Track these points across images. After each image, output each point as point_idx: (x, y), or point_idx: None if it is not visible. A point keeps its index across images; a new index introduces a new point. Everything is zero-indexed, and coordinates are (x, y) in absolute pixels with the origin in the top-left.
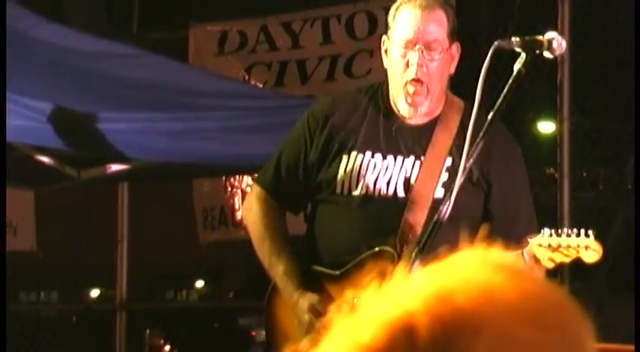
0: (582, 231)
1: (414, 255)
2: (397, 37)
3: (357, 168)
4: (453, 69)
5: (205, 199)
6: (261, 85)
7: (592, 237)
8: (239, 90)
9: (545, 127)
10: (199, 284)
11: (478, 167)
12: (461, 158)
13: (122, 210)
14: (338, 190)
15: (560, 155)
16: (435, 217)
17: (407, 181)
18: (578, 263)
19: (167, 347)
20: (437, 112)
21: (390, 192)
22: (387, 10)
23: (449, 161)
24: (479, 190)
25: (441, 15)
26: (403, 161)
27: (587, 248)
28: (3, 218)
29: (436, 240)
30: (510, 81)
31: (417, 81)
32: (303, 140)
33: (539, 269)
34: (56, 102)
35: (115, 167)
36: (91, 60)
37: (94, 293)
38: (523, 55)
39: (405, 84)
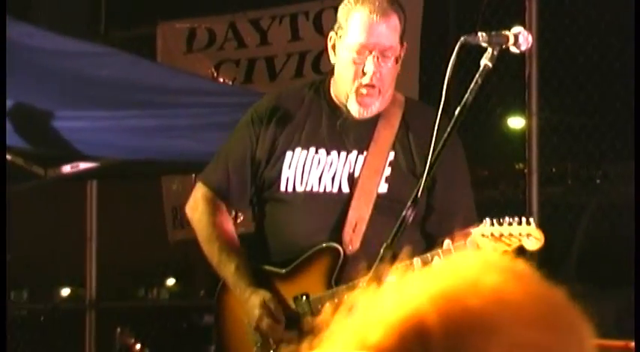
0: (524, 219)
1: (382, 252)
2: (351, 41)
3: (302, 165)
4: (399, 67)
5: (175, 197)
6: (230, 82)
7: (533, 224)
8: (208, 88)
9: (514, 123)
10: (170, 282)
11: (420, 161)
12: (404, 152)
13: (91, 209)
14: (282, 188)
15: (529, 150)
16: (403, 214)
17: (351, 176)
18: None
19: (138, 346)
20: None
21: (335, 188)
22: None
23: (391, 155)
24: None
25: (395, 21)
26: (347, 156)
27: (529, 235)
28: (3, 219)
29: (379, 234)
30: (477, 76)
31: (371, 86)
32: (248, 138)
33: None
34: (21, 101)
35: (83, 165)
36: (58, 58)
37: (65, 292)
38: (489, 50)
39: (358, 87)
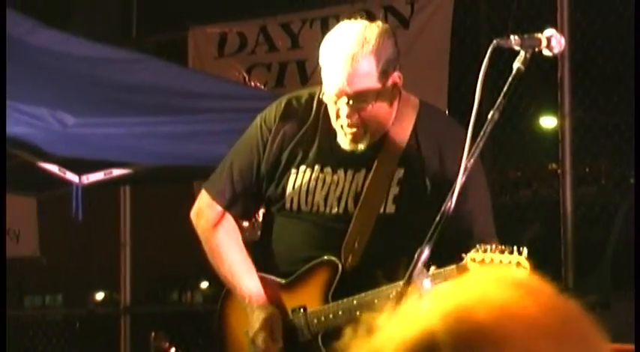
0: (515, 248)
1: (419, 250)
2: (325, 85)
3: (306, 185)
4: (396, 94)
5: None
6: (261, 86)
7: (524, 254)
8: (240, 93)
9: (546, 122)
10: (204, 285)
11: (432, 179)
12: (414, 170)
13: (125, 214)
14: (287, 206)
15: (562, 151)
16: (441, 211)
17: (358, 196)
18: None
19: (172, 350)
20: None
21: (342, 209)
22: (385, 9)
23: (400, 173)
24: (434, 203)
25: (369, 63)
26: (354, 175)
27: (518, 264)
28: (3, 220)
29: (389, 258)
30: (510, 79)
31: (350, 126)
32: (255, 148)
33: None
34: (55, 108)
35: (116, 171)
36: (90, 65)
37: (99, 296)
38: (522, 53)
39: (342, 126)
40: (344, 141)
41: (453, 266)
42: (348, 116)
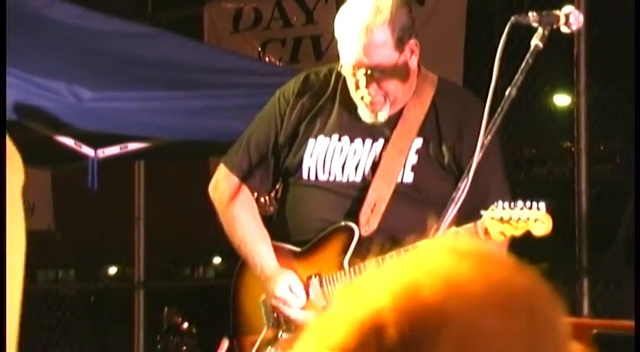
0: (534, 203)
1: (436, 225)
2: (342, 58)
3: (324, 154)
4: (414, 63)
5: None
6: (276, 62)
7: (543, 209)
8: (255, 68)
9: (561, 100)
10: (216, 261)
11: (450, 151)
12: (432, 140)
13: (139, 189)
14: (305, 176)
15: (578, 129)
16: (454, 194)
17: (375, 165)
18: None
19: (185, 325)
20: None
21: (359, 177)
22: None
23: (418, 142)
24: (450, 174)
25: (384, 33)
26: (372, 144)
27: (537, 220)
28: (3, 216)
29: (406, 227)
30: (528, 56)
31: (370, 96)
32: (273, 122)
33: (500, 244)
34: (71, 82)
35: (131, 146)
36: (106, 39)
37: (112, 270)
38: (540, 29)
39: (362, 97)
40: (365, 113)
41: (472, 225)
42: (367, 87)
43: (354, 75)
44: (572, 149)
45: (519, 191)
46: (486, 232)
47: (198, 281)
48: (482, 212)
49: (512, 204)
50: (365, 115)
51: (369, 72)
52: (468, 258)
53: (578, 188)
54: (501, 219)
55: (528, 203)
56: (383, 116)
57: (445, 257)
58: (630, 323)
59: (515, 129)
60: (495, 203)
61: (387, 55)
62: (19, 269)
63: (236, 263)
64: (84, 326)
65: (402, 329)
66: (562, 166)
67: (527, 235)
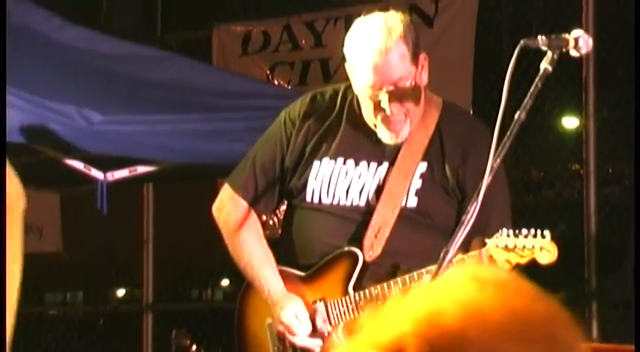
0: (539, 231)
1: (442, 255)
2: (359, 82)
3: (328, 176)
4: (425, 78)
5: None
6: (285, 85)
7: (548, 237)
8: (264, 91)
9: (569, 123)
10: (224, 283)
11: (454, 175)
12: (437, 164)
13: (148, 211)
14: (309, 198)
15: (586, 152)
16: (463, 218)
17: (380, 189)
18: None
19: (194, 347)
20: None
21: (363, 201)
22: (409, 8)
23: (423, 166)
24: (453, 199)
25: (400, 49)
26: (377, 168)
27: (542, 249)
28: (3, 217)
29: (410, 251)
30: (537, 80)
31: (394, 115)
32: (279, 143)
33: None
34: (81, 106)
35: (140, 169)
36: (115, 62)
37: (120, 293)
38: (549, 53)
39: (383, 118)
40: (385, 134)
41: (476, 252)
42: (391, 106)
43: (373, 97)
44: (581, 171)
45: (527, 214)
46: (491, 259)
47: (206, 303)
48: (487, 240)
49: (517, 231)
50: (385, 137)
51: (390, 90)
52: (488, 285)
53: (587, 210)
54: (506, 247)
55: (533, 230)
56: (403, 135)
57: (466, 284)
58: (631, 347)
59: (523, 152)
60: (500, 231)
61: (406, 70)
62: (13, 295)
63: (245, 285)
64: (92, 349)
65: None
66: (570, 189)
67: (533, 261)
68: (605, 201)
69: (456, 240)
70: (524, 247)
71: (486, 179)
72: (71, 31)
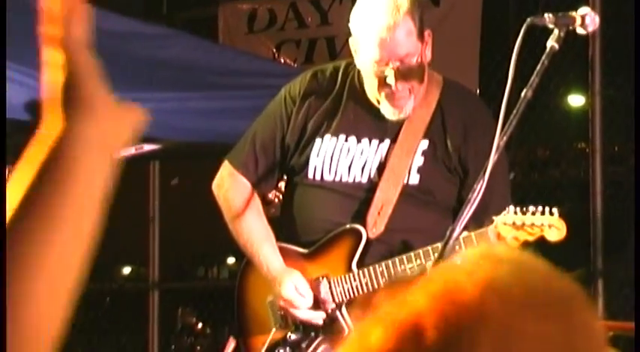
0: (547, 208)
1: (448, 233)
2: (366, 57)
3: (330, 153)
4: (429, 54)
5: None
6: (291, 63)
7: (556, 215)
8: (270, 69)
9: (575, 101)
10: (230, 261)
11: (456, 153)
12: (439, 142)
13: (154, 190)
14: (310, 175)
15: (592, 130)
16: (470, 196)
17: (382, 165)
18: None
19: (199, 325)
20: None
21: (365, 178)
22: None
23: (424, 144)
24: (455, 177)
25: (407, 25)
26: (379, 144)
27: (551, 226)
28: (3, 216)
29: (413, 229)
30: (544, 58)
31: (399, 91)
32: (279, 120)
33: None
34: None
35: (147, 147)
36: (121, 40)
37: (126, 271)
38: (556, 31)
39: (387, 93)
40: (388, 110)
41: (485, 229)
42: (397, 82)
43: (378, 72)
44: (587, 150)
45: (533, 192)
46: (499, 237)
47: (212, 281)
48: (494, 217)
49: (524, 208)
50: (389, 112)
51: (397, 65)
52: (504, 263)
53: (593, 189)
54: (514, 224)
55: (540, 208)
56: (407, 111)
57: (481, 262)
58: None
59: (529, 131)
60: (506, 208)
61: (412, 46)
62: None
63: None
64: (98, 327)
65: (440, 329)
66: (576, 167)
67: (541, 239)
68: (611, 179)
69: (463, 217)
70: (532, 224)
71: (493, 157)
72: None
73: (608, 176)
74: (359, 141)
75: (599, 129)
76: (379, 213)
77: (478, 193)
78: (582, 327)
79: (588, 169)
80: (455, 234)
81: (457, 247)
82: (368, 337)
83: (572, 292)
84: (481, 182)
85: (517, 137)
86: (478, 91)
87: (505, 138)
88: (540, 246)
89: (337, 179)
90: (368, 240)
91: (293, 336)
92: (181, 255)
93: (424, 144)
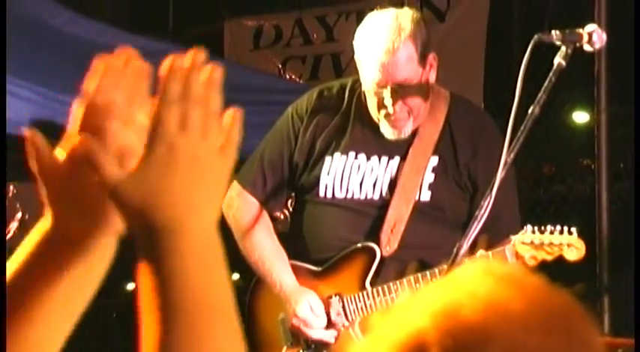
0: (565, 228)
1: (455, 250)
2: (365, 77)
3: (341, 171)
4: (433, 77)
5: None
6: (297, 79)
7: (575, 234)
8: (276, 85)
9: (581, 117)
10: (234, 277)
11: (465, 168)
12: (448, 158)
13: None
14: (322, 193)
15: (598, 146)
16: (476, 213)
17: (393, 183)
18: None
19: None
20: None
21: (377, 195)
22: (422, 3)
23: (434, 160)
24: (465, 192)
25: (407, 49)
26: (388, 161)
27: (570, 246)
28: (3, 215)
29: (425, 246)
30: (551, 74)
31: (396, 113)
32: (286, 138)
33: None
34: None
35: None
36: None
37: (130, 286)
38: (563, 48)
39: (385, 114)
40: (387, 130)
41: (502, 248)
42: (394, 104)
43: (377, 93)
44: (593, 166)
45: (539, 209)
46: (517, 256)
47: None
48: (512, 236)
49: (543, 227)
50: (388, 132)
51: (395, 90)
52: (504, 279)
53: (599, 205)
54: (532, 243)
55: (559, 227)
56: (406, 132)
57: (481, 279)
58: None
59: (534, 147)
60: (518, 224)
61: (412, 70)
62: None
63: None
64: (105, 342)
65: (446, 348)
66: (582, 184)
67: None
68: (618, 195)
69: (469, 235)
70: (551, 244)
71: (500, 174)
72: (82, 24)
73: (614, 192)
74: (368, 158)
75: (604, 145)
76: (392, 231)
77: (485, 210)
78: (583, 340)
79: (594, 185)
80: (462, 251)
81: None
82: None
83: (571, 306)
84: (488, 199)
85: (523, 153)
86: (483, 107)
87: (512, 154)
88: (545, 262)
89: (349, 196)
90: (382, 258)
91: None
92: None
93: (434, 160)
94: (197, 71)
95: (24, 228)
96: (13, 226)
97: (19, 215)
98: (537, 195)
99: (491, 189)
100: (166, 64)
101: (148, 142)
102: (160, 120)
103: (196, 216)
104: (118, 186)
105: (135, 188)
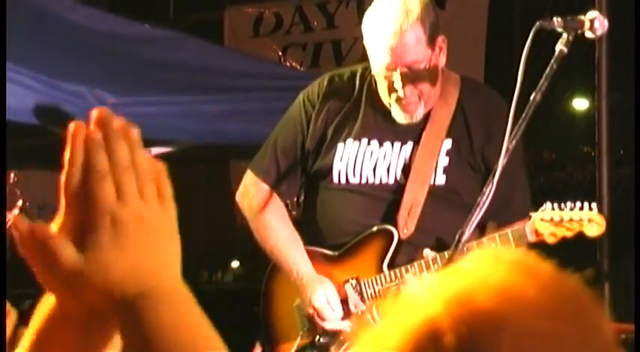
0: (586, 204)
1: (457, 236)
2: (374, 61)
3: (354, 157)
4: (443, 60)
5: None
6: (297, 66)
7: (595, 210)
8: (276, 72)
9: (581, 105)
10: (234, 264)
11: (479, 151)
12: (462, 142)
13: None
14: (335, 180)
15: (599, 133)
16: (479, 199)
17: (407, 167)
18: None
19: None
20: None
21: (392, 179)
22: None
23: (448, 143)
24: (479, 175)
25: (416, 31)
26: (401, 146)
27: (591, 221)
28: (3, 214)
29: (442, 229)
30: (552, 61)
31: (407, 97)
32: (299, 125)
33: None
34: (94, 87)
35: (154, 150)
36: (129, 43)
37: None
38: (565, 35)
39: (396, 98)
40: (399, 114)
41: (521, 226)
42: (404, 87)
43: (387, 77)
44: (593, 153)
45: (539, 196)
46: (537, 233)
47: (216, 285)
48: (532, 213)
49: (562, 204)
50: (399, 117)
51: (405, 73)
52: (516, 266)
53: (599, 192)
54: (552, 220)
55: (579, 203)
56: (418, 116)
57: (492, 265)
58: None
59: (535, 134)
60: (547, 203)
61: (421, 52)
62: None
63: (254, 267)
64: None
65: (459, 334)
66: (582, 171)
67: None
68: (618, 182)
69: (472, 220)
70: (571, 220)
71: (502, 160)
72: (83, 11)
73: (614, 179)
74: (381, 144)
75: (605, 132)
76: (409, 214)
77: (487, 197)
78: (595, 326)
79: (595, 172)
80: (464, 237)
81: (493, 244)
82: (384, 342)
83: (582, 292)
84: (490, 186)
85: (523, 140)
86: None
87: (514, 141)
88: (546, 248)
89: (363, 181)
90: (399, 241)
91: (322, 339)
92: (185, 259)
93: (448, 143)
94: (116, 135)
95: (25, 216)
96: (14, 214)
97: (19, 202)
98: (538, 181)
99: (493, 176)
100: (78, 134)
101: (91, 220)
102: (96, 195)
103: (162, 273)
104: (76, 272)
105: (94, 270)
